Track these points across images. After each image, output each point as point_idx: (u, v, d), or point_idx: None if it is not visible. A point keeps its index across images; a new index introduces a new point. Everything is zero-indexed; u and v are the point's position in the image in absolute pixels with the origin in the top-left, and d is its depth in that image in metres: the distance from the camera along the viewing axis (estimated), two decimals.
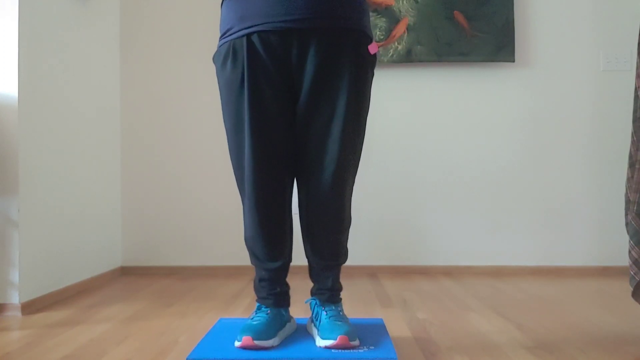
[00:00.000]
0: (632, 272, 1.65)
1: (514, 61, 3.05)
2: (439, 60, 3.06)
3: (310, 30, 1.50)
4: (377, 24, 3.05)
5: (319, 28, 1.50)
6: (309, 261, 1.69)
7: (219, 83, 1.61)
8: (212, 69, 2.99)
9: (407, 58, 3.05)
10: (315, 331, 1.63)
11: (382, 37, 3.05)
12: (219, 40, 1.61)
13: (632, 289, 1.67)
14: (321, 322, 1.60)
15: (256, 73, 1.52)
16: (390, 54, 3.05)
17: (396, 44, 3.05)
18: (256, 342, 1.50)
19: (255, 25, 1.50)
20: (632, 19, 3.05)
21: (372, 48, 1.56)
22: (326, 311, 1.63)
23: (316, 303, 1.67)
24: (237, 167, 1.61)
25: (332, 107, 1.54)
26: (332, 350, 1.50)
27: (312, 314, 1.68)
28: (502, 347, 1.68)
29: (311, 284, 1.73)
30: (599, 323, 1.97)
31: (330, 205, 1.60)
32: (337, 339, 1.50)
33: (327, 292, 1.67)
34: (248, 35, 1.51)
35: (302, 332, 1.70)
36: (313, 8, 1.49)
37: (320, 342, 1.55)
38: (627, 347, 1.66)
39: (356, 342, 1.53)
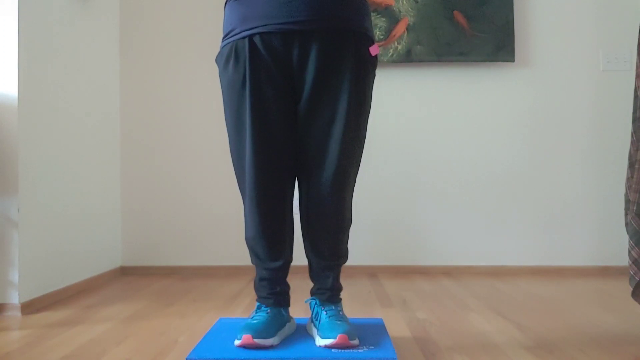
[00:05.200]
0: (632, 272, 1.65)
1: (513, 61, 3.05)
2: (438, 60, 3.06)
3: (312, 31, 1.51)
4: (377, 24, 3.05)
5: (320, 29, 1.51)
6: (309, 261, 1.70)
7: (221, 84, 1.62)
8: (212, 69, 2.98)
9: (407, 58, 3.05)
10: (315, 331, 1.63)
11: (382, 37, 3.05)
12: (222, 42, 1.61)
13: (632, 289, 1.67)
14: (321, 322, 1.61)
15: (258, 74, 1.53)
16: (390, 54, 3.05)
17: (396, 43, 3.05)
18: (256, 340, 1.50)
19: (257, 27, 1.51)
20: (632, 19, 3.05)
21: (374, 50, 1.57)
22: (326, 311, 1.63)
23: (316, 303, 1.67)
24: (238, 167, 1.62)
25: (333, 108, 1.54)
26: (332, 350, 1.50)
27: (312, 313, 1.68)
28: (502, 347, 1.68)
29: (311, 284, 1.73)
30: (599, 323, 1.97)
31: (330, 205, 1.60)
32: (337, 337, 1.49)
33: (327, 291, 1.67)
34: (250, 37, 1.52)
35: (302, 332, 1.70)
36: (314, 10, 1.50)
37: (320, 342, 1.54)
38: (627, 347, 1.66)
39: (356, 342, 1.52)
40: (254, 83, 1.53)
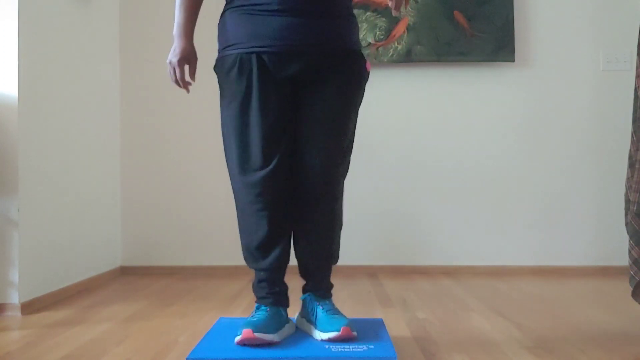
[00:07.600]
0: (632, 272, 1.65)
1: (513, 61, 3.05)
2: (438, 60, 3.06)
3: (317, 53, 1.60)
4: (377, 23, 3.05)
5: (324, 51, 1.60)
6: (300, 260, 1.74)
7: (221, 90, 1.67)
8: (211, 69, 2.99)
9: (407, 58, 3.05)
10: (311, 326, 1.65)
11: (382, 37, 3.05)
12: (222, 50, 1.65)
13: (632, 289, 1.67)
14: (318, 317, 1.64)
15: (266, 87, 1.59)
16: (390, 54, 3.05)
17: (396, 43, 3.05)
18: (256, 335, 1.51)
19: (266, 46, 1.57)
20: (632, 19, 3.05)
21: (368, 66, 1.72)
22: (322, 305, 1.66)
23: (310, 298, 1.71)
24: (238, 172, 1.64)
25: (332, 119, 1.64)
26: (332, 349, 1.50)
27: (307, 309, 1.70)
28: (502, 347, 1.68)
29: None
30: (599, 323, 1.97)
31: (320, 208, 1.66)
32: (341, 330, 1.53)
33: (320, 289, 1.71)
34: (258, 54, 1.58)
35: (301, 332, 1.70)
36: (320, 34, 1.60)
37: (322, 335, 1.56)
38: (627, 347, 1.66)
39: (355, 333, 1.56)
40: (260, 95, 1.58)
